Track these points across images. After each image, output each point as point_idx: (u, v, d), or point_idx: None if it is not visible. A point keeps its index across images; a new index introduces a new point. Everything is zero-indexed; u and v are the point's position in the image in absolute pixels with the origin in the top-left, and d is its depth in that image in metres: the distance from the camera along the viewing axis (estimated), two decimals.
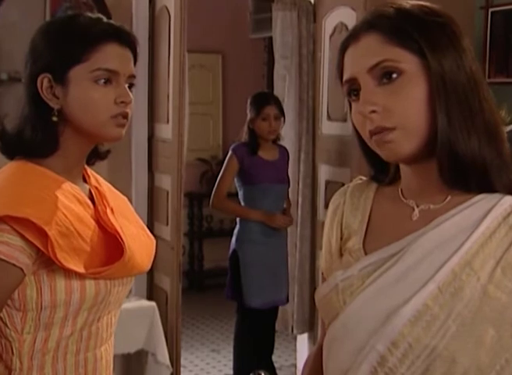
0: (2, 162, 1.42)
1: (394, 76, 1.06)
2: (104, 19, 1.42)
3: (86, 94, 1.36)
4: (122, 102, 1.38)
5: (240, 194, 3.94)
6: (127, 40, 1.41)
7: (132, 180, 3.79)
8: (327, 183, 4.16)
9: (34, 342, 1.34)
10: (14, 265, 1.26)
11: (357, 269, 1.11)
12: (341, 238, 1.21)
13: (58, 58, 1.36)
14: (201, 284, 6.43)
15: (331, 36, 4.06)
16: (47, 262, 1.29)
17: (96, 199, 1.45)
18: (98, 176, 1.55)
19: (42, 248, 1.27)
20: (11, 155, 1.41)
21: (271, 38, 4.48)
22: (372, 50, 1.09)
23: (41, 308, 1.31)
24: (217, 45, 6.61)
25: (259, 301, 3.81)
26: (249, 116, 3.89)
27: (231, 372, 4.07)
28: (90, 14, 1.44)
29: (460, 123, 1.06)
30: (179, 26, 3.45)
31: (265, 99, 3.91)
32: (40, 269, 1.30)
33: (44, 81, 1.37)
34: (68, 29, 1.39)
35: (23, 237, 1.25)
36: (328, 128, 4.13)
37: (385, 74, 1.07)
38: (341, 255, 1.19)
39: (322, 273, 1.25)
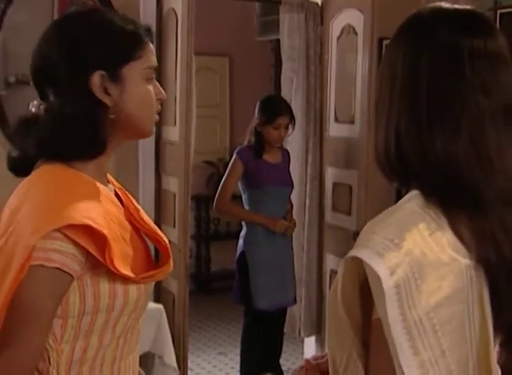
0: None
1: None
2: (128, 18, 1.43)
3: (141, 92, 1.37)
4: (159, 99, 1.41)
5: (244, 197, 3.93)
6: (151, 37, 1.44)
7: (139, 182, 3.79)
8: (334, 185, 4.15)
9: (73, 352, 1.29)
10: (66, 272, 1.23)
11: None
12: None
13: (113, 56, 1.34)
14: (208, 287, 6.42)
15: (338, 38, 4.06)
16: (92, 267, 1.26)
17: (124, 200, 1.43)
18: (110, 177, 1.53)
19: (98, 256, 1.24)
20: (49, 158, 1.33)
21: (278, 40, 4.48)
22: None
23: (83, 314, 1.27)
24: (224, 48, 6.61)
25: (267, 303, 3.81)
26: (258, 121, 3.87)
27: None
28: (108, 11, 1.42)
29: None
30: (187, 28, 3.45)
31: (278, 109, 3.87)
32: (84, 274, 1.26)
33: (96, 79, 1.32)
34: (116, 26, 1.36)
35: (75, 244, 1.22)
36: (335, 130, 4.13)
37: None
38: None
39: None
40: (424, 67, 1.09)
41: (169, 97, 3.65)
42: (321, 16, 4.25)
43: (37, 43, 1.37)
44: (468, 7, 1.15)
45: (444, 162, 1.07)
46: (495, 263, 1.06)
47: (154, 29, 3.70)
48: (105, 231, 1.24)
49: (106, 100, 1.33)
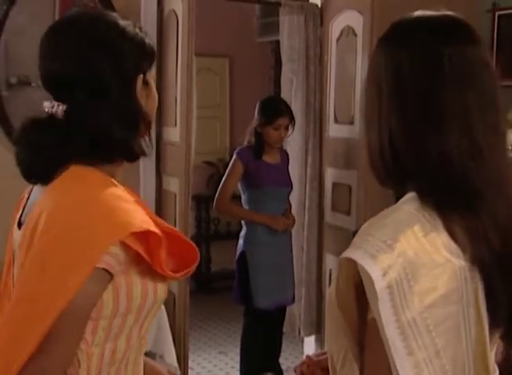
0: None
1: None
2: None
3: (155, 94, 1.43)
4: None
5: (244, 197, 3.96)
6: None
7: (140, 182, 3.80)
8: (334, 185, 4.17)
9: (103, 355, 1.27)
10: (110, 273, 1.22)
11: None
12: None
13: (146, 60, 1.39)
14: (209, 287, 6.44)
15: (338, 39, 4.08)
16: (128, 267, 1.26)
17: (136, 200, 1.44)
18: None
19: (147, 258, 1.25)
20: (83, 161, 1.31)
21: (278, 42, 4.49)
22: None
23: (115, 315, 1.26)
24: (224, 49, 6.63)
25: (267, 302, 3.83)
26: (258, 122, 3.89)
27: (238, 374, 4.08)
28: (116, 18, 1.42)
29: None
30: (187, 29, 3.46)
31: (279, 110, 3.89)
32: (120, 274, 1.25)
33: (140, 82, 1.37)
34: (137, 31, 1.39)
35: (122, 245, 1.21)
36: (335, 131, 4.15)
37: None
38: None
39: None
40: (406, 72, 1.12)
41: (170, 98, 3.67)
42: (320, 18, 4.27)
43: (64, 44, 1.32)
44: (449, 13, 1.17)
45: (437, 157, 1.09)
46: (488, 261, 1.07)
47: (154, 30, 3.73)
48: (161, 234, 1.25)
49: (143, 102, 1.38)
